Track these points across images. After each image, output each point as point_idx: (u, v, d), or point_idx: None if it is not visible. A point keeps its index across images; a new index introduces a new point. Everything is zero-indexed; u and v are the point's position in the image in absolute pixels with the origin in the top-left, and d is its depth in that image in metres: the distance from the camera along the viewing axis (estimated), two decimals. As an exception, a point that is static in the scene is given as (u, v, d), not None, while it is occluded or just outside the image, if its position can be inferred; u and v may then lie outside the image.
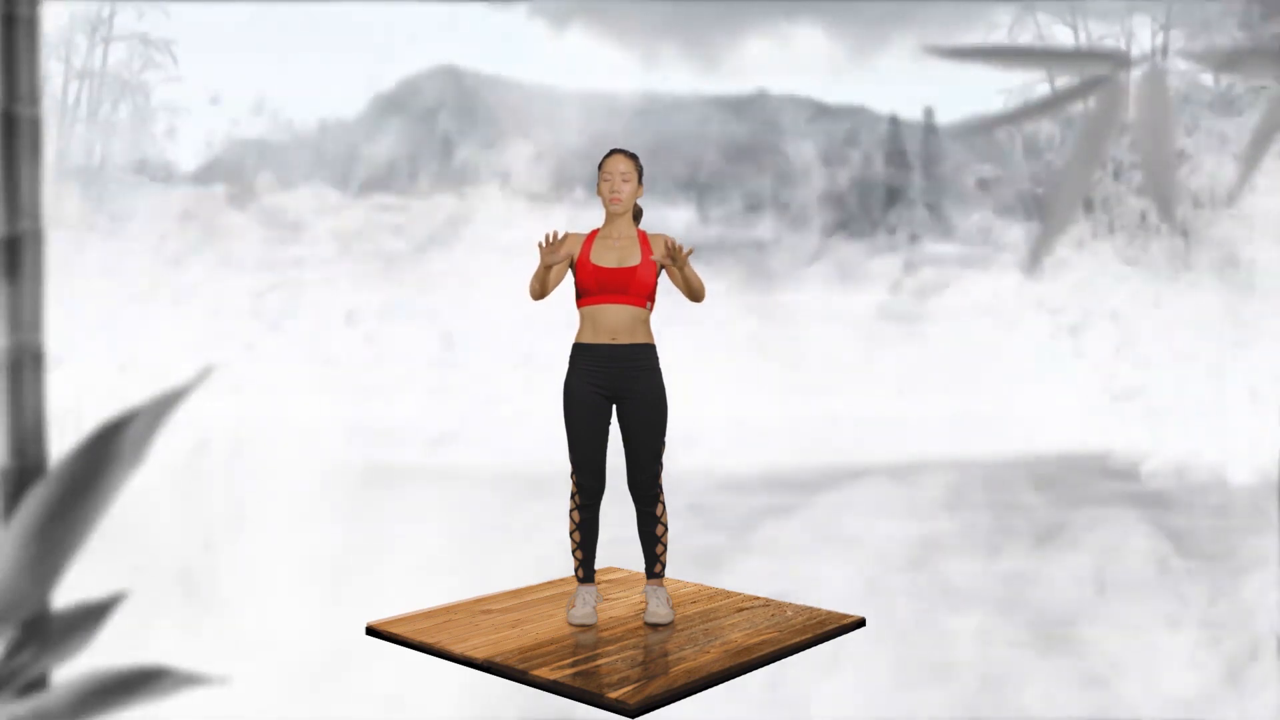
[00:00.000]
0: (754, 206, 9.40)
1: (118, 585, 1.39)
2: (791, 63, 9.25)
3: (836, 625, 3.60)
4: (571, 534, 3.64)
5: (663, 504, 3.63)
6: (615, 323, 3.51)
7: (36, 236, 1.35)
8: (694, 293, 3.57)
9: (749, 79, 9.46)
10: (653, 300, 3.58)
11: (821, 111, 9.65)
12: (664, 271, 3.61)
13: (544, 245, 3.43)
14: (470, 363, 7.84)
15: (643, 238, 3.60)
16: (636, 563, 4.04)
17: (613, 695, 2.90)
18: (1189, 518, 5.63)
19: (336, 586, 4.25)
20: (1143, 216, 8.46)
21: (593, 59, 9.30)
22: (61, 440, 1.31)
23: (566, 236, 3.50)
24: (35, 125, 1.36)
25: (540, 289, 3.54)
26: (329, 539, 5.06)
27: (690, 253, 3.46)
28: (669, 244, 3.49)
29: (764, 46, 9.30)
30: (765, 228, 9.32)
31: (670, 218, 8.07)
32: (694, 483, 5.87)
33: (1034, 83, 8.00)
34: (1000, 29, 8.41)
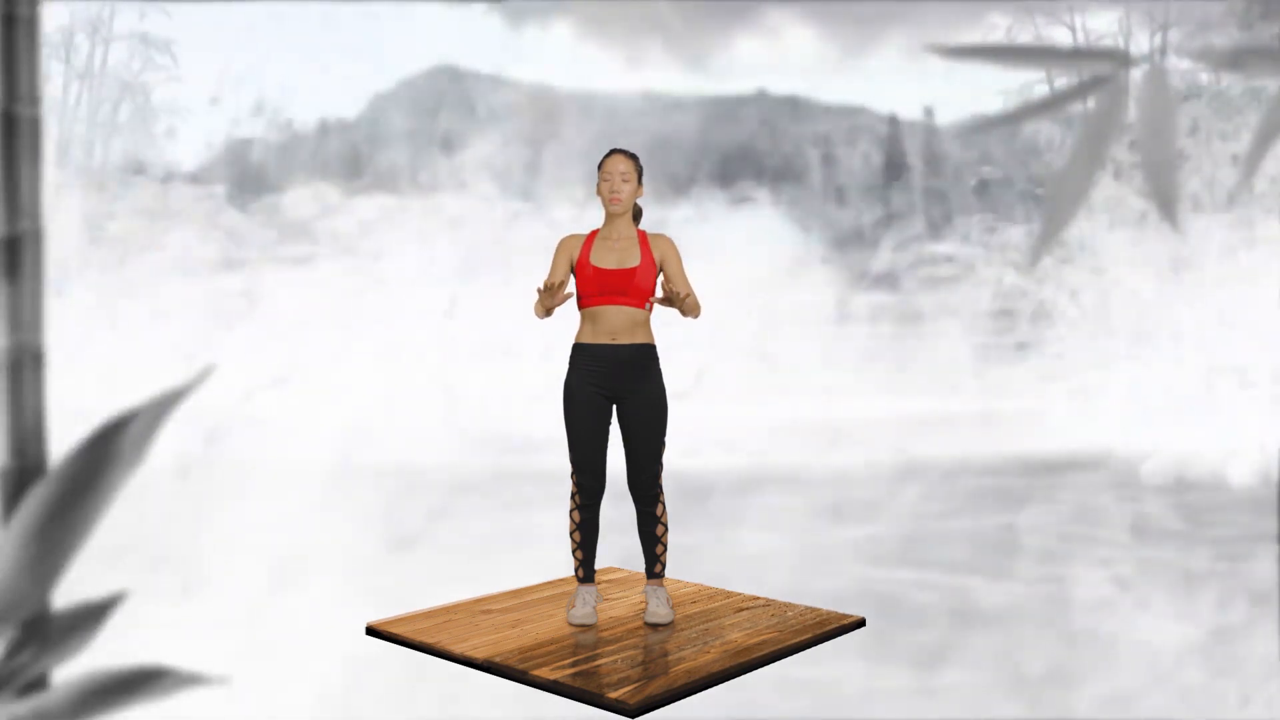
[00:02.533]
0: (753, 207, 9.40)
1: (118, 585, 1.39)
2: (785, 62, 9.25)
3: (836, 625, 3.60)
4: (571, 534, 3.64)
5: (663, 504, 3.62)
6: (615, 323, 3.51)
7: (36, 236, 1.35)
8: (689, 313, 3.59)
9: (745, 79, 9.47)
10: (652, 301, 3.58)
11: (821, 111, 9.65)
12: (663, 272, 3.61)
13: (543, 291, 3.43)
14: (470, 362, 7.84)
15: (643, 238, 3.60)
16: (636, 563, 4.04)
17: (613, 695, 2.90)
18: (1189, 517, 5.63)
19: (336, 586, 4.25)
20: (1143, 216, 8.46)
21: (589, 59, 9.30)
22: (61, 440, 1.31)
23: (563, 283, 3.50)
24: (35, 125, 1.36)
25: (545, 313, 3.55)
26: (330, 539, 5.06)
27: (687, 297, 3.50)
28: (668, 290, 3.50)
29: (753, 46, 9.29)
30: (764, 227, 9.32)
31: (670, 218, 8.07)
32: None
33: (1034, 82, 8.00)
34: (994, 28, 8.41)
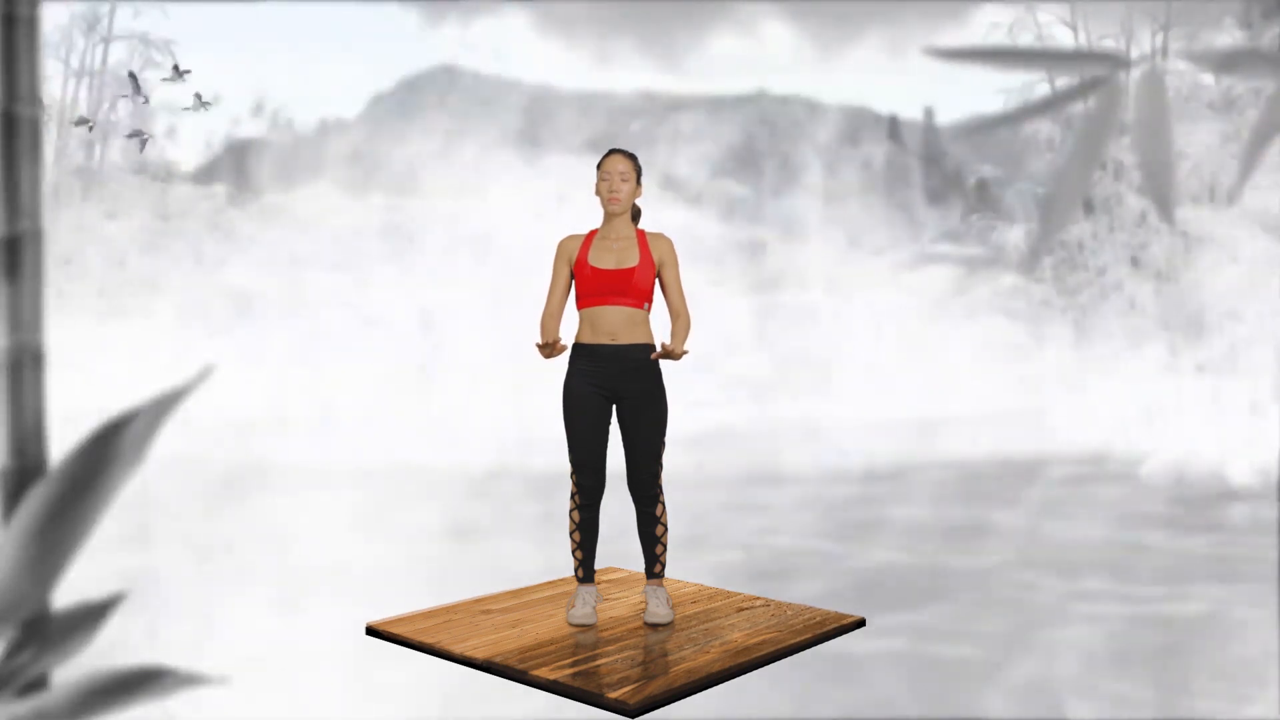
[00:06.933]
0: (755, 206, 9.40)
1: (118, 585, 1.39)
2: (763, 60, 9.23)
3: (836, 625, 3.60)
4: (571, 534, 3.64)
5: (663, 504, 3.62)
6: (614, 323, 3.50)
7: (36, 236, 1.35)
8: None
9: (727, 79, 9.46)
10: (651, 301, 3.57)
11: (820, 111, 9.65)
12: (659, 276, 3.60)
13: (540, 346, 3.43)
14: (468, 362, 7.84)
15: (641, 237, 3.59)
16: (636, 563, 4.05)
17: (613, 695, 2.90)
18: (1189, 517, 5.63)
19: (336, 586, 4.25)
20: (1142, 216, 8.46)
21: (584, 60, 9.29)
22: (61, 440, 1.31)
23: (558, 339, 3.49)
24: (35, 125, 1.36)
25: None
26: (329, 538, 5.06)
27: (684, 354, 3.45)
28: (665, 348, 3.40)
29: (729, 44, 9.27)
30: (765, 228, 9.31)
31: (672, 218, 8.08)
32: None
33: (1034, 83, 8.01)
34: (996, 27, 8.42)
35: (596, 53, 9.24)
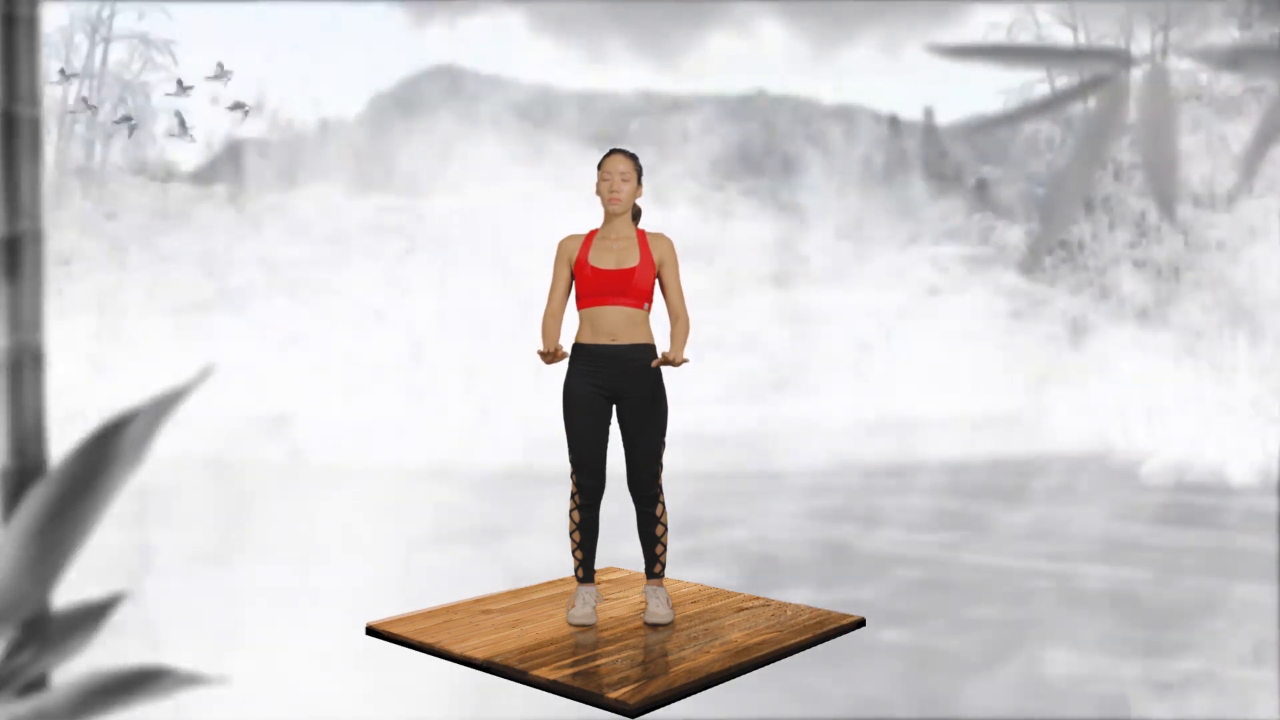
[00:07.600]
0: (754, 205, 9.39)
1: (118, 585, 1.39)
2: (758, 60, 9.23)
3: (836, 625, 3.60)
4: (571, 534, 3.63)
5: (663, 504, 3.62)
6: (614, 323, 3.50)
7: (36, 236, 1.35)
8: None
9: (718, 78, 9.45)
10: (651, 301, 3.56)
11: (819, 111, 9.65)
12: (659, 277, 3.59)
13: (541, 353, 3.43)
14: (469, 362, 7.84)
15: (641, 237, 3.58)
16: (636, 563, 4.04)
17: (613, 695, 2.90)
18: (1189, 517, 5.63)
19: (336, 586, 4.25)
20: (1143, 216, 8.46)
21: (579, 60, 9.29)
22: (61, 440, 1.31)
23: (559, 347, 3.48)
24: (35, 125, 1.36)
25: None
26: (329, 538, 5.06)
27: (686, 361, 3.41)
28: (666, 357, 3.36)
29: (724, 43, 9.26)
30: (764, 227, 9.32)
31: (672, 219, 8.07)
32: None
33: (1034, 82, 8.00)
34: (975, 27, 8.42)
35: (591, 53, 9.24)
